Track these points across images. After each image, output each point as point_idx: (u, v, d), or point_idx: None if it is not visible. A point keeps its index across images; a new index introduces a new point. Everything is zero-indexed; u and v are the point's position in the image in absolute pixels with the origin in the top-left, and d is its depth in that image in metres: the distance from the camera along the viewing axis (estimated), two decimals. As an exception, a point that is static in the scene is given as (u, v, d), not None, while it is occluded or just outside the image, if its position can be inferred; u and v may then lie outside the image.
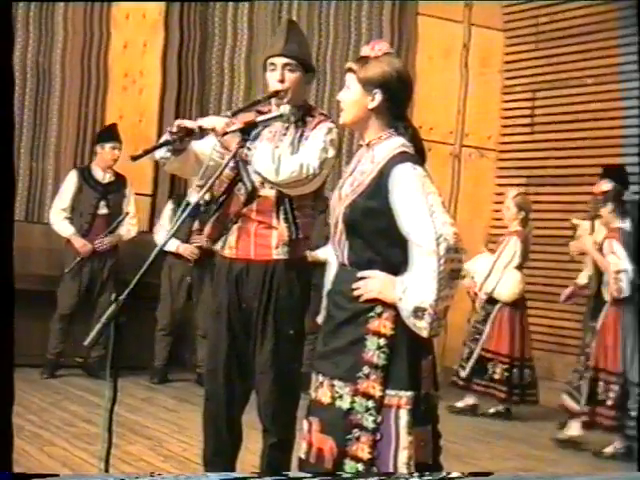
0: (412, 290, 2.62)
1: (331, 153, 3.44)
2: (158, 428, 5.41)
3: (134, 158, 3.38)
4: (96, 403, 5.67)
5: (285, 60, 3.52)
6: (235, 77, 7.97)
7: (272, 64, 3.54)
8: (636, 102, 7.55)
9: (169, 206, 7.12)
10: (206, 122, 3.41)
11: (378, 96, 2.75)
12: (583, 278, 6.43)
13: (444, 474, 2.84)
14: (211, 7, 7.89)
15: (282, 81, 3.51)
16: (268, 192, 3.49)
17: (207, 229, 3.64)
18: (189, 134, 3.37)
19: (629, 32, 7.77)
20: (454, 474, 2.97)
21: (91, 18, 7.40)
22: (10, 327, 2.97)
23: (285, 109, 3.35)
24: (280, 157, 3.31)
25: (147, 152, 3.42)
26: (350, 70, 2.78)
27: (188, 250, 6.85)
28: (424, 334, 2.64)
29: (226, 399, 3.58)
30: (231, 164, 3.37)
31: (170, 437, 5.20)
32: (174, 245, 6.76)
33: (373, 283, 2.70)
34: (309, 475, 2.72)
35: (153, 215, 7.47)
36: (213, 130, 3.35)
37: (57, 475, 4.08)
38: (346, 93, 2.80)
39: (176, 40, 7.73)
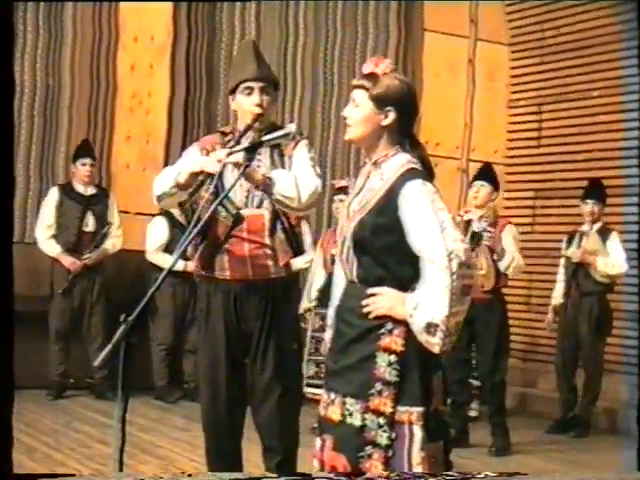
0: (424, 306, 2.62)
1: (319, 169, 3.49)
2: (170, 448, 5.40)
3: (181, 204, 3.38)
4: (108, 424, 5.67)
5: (262, 84, 3.53)
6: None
7: (248, 88, 3.53)
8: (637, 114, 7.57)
9: (162, 223, 6.98)
10: (230, 159, 3.26)
11: (392, 114, 2.74)
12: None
13: (470, 474, 2.85)
14: (218, 29, 7.94)
15: (261, 105, 3.51)
16: (256, 211, 3.49)
17: (196, 259, 3.56)
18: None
19: (635, 44, 7.78)
20: (482, 474, 2.98)
21: (99, 40, 7.46)
22: (10, 328, 2.98)
23: (292, 127, 3.32)
24: (298, 183, 3.32)
25: (191, 195, 3.39)
26: (361, 87, 2.76)
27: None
28: (436, 350, 2.64)
29: (229, 422, 3.57)
30: (211, 189, 3.32)
31: (182, 456, 5.20)
32: (181, 264, 6.46)
33: (383, 300, 2.69)
34: (329, 475, 2.72)
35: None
36: (237, 164, 3.23)
37: (72, 475, 4.08)
38: (354, 110, 2.76)
39: (183, 62, 7.78)
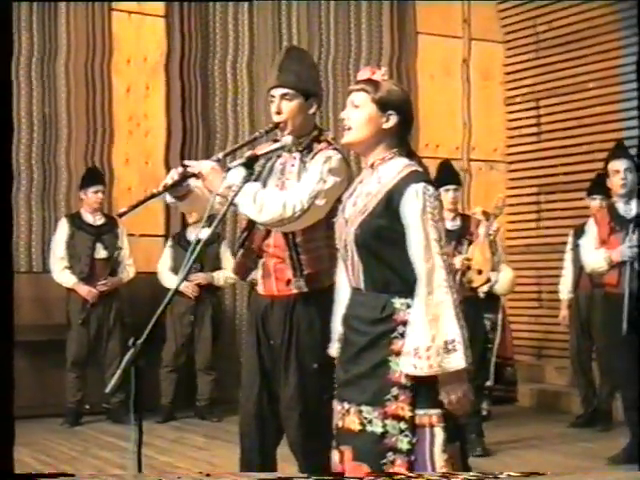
0: (437, 327, 2.61)
1: (330, 182, 3.33)
2: (190, 468, 5.37)
3: (120, 215, 3.35)
4: (126, 448, 5.62)
5: (282, 90, 3.46)
6: (239, 114, 8.02)
7: (272, 96, 3.49)
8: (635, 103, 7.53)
9: (169, 244, 7.17)
10: (194, 165, 3.33)
11: (393, 117, 2.76)
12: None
13: (492, 474, 2.83)
14: (211, 47, 7.95)
15: (279, 112, 3.46)
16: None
17: (233, 265, 3.68)
18: (181, 181, 3.33)
19: (629, 33, 7.77)
20: (505, 474, 2.96)
21: (92, 64, 7.48)
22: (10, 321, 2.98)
23: (287, 140, 3.32)
24: (263, 197, 3.25)
25: (133, 208, 3.32)
26: (361, 90, 2.77)
27: (190, 288, 6.87)
28: (462, 364, 2.60)
29: (258, 433, 3.55)
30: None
31: (203, 476, 5.16)
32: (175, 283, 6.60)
33: None
34: (360, 476, 2.68)
35: (167, 256, 7.46)
36: (198, 175, 3.27)
37: (73, 475, 4.04)
38: (355, 111, 2.77)
39: (178, 80, 7.79)
